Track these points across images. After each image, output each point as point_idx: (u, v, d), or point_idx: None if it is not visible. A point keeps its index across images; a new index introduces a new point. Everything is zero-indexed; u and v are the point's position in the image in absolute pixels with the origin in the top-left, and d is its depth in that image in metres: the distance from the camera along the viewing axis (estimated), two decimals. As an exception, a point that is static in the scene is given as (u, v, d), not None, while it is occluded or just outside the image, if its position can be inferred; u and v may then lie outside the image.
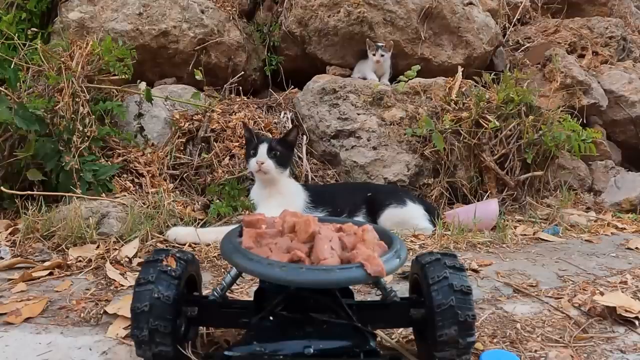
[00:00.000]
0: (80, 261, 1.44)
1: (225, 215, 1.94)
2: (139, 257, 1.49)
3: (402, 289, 1.24)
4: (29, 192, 1.83)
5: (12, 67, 1.99)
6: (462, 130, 2.42)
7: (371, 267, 0.75)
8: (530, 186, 2.55)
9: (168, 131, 2.39)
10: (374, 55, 2.68)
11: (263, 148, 1.87)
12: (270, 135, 2.38)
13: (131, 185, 2.11)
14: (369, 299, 1.21)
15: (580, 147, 2.47)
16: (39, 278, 1.33)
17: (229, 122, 2.39)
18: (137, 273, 0.94)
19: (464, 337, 0.82)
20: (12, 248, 1.57)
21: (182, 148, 2.35)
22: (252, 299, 0.91)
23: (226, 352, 0.79)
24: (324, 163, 2.49)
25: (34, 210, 1.71)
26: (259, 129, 2.41)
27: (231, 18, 2.91)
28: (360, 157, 2.40)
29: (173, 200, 1.95)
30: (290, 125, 2.45)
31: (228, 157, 2.30)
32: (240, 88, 2.75)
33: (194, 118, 2.40)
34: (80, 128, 2.02)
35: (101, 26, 2.59)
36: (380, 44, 2.68)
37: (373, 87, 2.53)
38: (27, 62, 2.14)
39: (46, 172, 1.92)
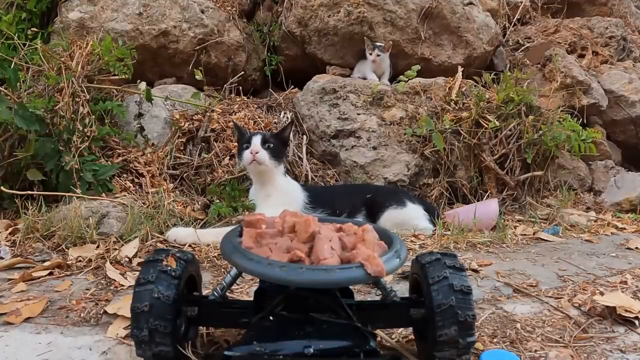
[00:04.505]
0: (80, 261, 1.44)
1: (226, 216, 1.94)
2: (139, 257, 1.49)
3: (402, 289, 1.24)
4: (29, 192, 1.83)
5: (12, 67, 1.99)
6: (462, 130, 2.42)
7: (371, 267, 0.75)
8: (530, 186, 2.55)
9: (168, 131, 2.39)
10: (370, 54, 2.69)
11: (257, 139, 1.85)
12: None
13: (131, 185, 2.11)
14: (369, 299, 1.21)
15: (580, 147, 2.47)
16: (39, 278, 1.33)
17: (229, 122, 2.39)
18: (137, 273, 0.94)
19: (464, 337, 0.82)
20: (12, 248, 1.57)
21: (182, 148, 2.35)
22: (252, 299, 0.91)
23: (226, 352, 0.79)
24: (324, 163, 2.49)
25: (34, 210, 1.71)
26: (259, 129, 2.42)
27: (231, 18, 2.91)
28: (360, 157, 2.40)
29: (173, 200, 1.95)
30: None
31: (228, 157, 2.30)
32: (240, 88, 2.75)
33: (194, 118, 2.40)
34: (80, 128, 2.02)
35: (101, 26, 2.59)
36: (378, 44, 2.68)
37: (373, 87, 2.53)
38: (27, 62, 2.14)
39: (46, 172, 1.92)
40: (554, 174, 2.66)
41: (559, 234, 2.00)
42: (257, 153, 1.82)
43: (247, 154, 1.84)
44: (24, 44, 2.16)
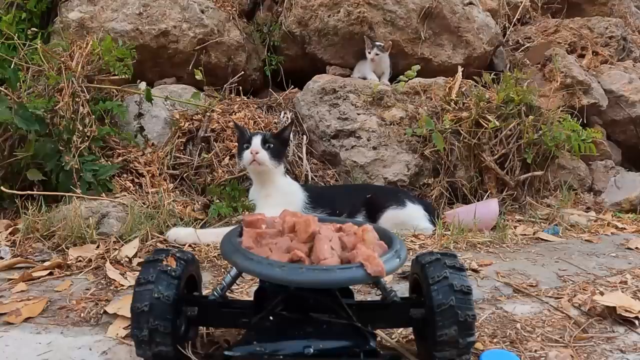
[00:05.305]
0: (80, 261, 1.44)
1: (226, 216, 1.94)
2: (139, 257, 1.49)
3: (402, 289, 1.24)
4: (29, 192, 1.83)
5: (12, 67, 1.99)
6: (462, 130, 2.42)
7: (371, 267, 0.75)
8: (530, 186, 2.55)
9: (168, 131, 2.39)
10: (369, 53, 2.69)
11: (257, 139, 1.85)
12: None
13: (131, 185, 2.10)
14: (369, 299, 1.21)
15: (580, 147, 2.47)
16: (39, 278, 1.33)
17: (229, 122, 2.39)
18: (137, 273, 0.94)
19: (464, 337, 0.82)
20: (12, 248, 1.57)
21: (182, 148, 2.35)
22: (252, 299, 0.91)
23: (226, 352, 0.79)
24: (324, 163, 2.49)
25: (34, 210, 1.71)
26: (259, 129, 2.41)
27: (231, 18, 2.91)
28: (360, 157, 2.40)
29: (173, 200, 1.95)
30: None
31: (228, 157, 2.30)
32: (240, 88, 2.75)
33: (194, 118, 2.40)
34: (80, 128, 2.02)
35: (101, 26, 2.59)
36: (378, 43, 2.68)
37: (373, 87, 2.53)
38: (27, 62, 2.14)
39: (46, 172, 1.92)
40: (554, 174, 2.66)
41: (559, 234, 2.00)
42: (257, 153, 1.83)
43: (247, 154, 1.85)
44: (24, 44, 2.16)
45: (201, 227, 1.82)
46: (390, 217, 1.95)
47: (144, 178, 2.15)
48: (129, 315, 0.86)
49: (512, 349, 1.00)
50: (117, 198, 1.85)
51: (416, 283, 0.95)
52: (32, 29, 2.42)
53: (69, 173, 1.90)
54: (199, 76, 2.46)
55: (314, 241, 0.81)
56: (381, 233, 0.91)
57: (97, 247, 1.55)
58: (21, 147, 1.91)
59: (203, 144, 2.35)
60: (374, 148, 2.42)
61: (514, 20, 3.55)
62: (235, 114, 2.47)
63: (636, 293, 1.31)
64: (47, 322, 1.07)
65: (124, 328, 1.02)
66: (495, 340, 1.03)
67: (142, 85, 2.46)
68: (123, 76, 2.32)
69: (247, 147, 1.85)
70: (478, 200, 2.37)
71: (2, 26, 2.15)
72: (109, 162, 2.13)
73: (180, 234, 1.66)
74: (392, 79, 2.79)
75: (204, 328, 1.01)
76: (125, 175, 2.15)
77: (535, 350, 0.99)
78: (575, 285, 1.37)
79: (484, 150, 2.44)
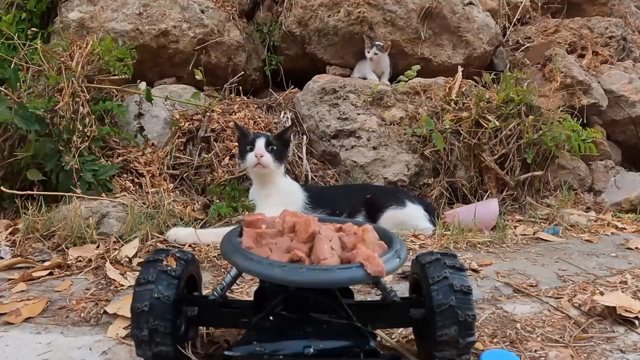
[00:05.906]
0: (80, 261, 1.44)
1: (226, 216, 1.94)
2: (139, 257, 1.49)
3: (402, 289, 1.24)
4: (29, 192, 1.83)
5: (12, 67, 1.99)
6: (462, 130, 2.42)
7: (371, 267, 0.75)
8: (530, 186, 2.55)
9: (168, 131, 2.39)
10: (368, 52, 2.69)
11: (261, 142, 1.84)
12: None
13: (131, 185, 2.11)
14: (369, 299, 1.21)
15: (580, 147, 2.48)
16: (39, 278, 1.33)
17: (229, 122, 2.39)
18: (137, 273, 0.94)
19: (464, 337, 0.82)
20: (12, 248, 1.57)
21: (182, 148, 2.35)
22: (252, 299, 0.91)
23: (226, 352, 0.79)
24: (324, 163, 2.49)
25: (34, 210, 1.71)
26: (259, 129, 2.42)
27: (231, 18, 2.91)
28: (360, 157, 2.40)
29: (173, 200, 1.95)
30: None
31: (228, 157, 2.30)
32: (240, 88, 2.75)
33: (194, 118, 2.40)
34: (80, 128, 2.02)
35: (101, 26, 2.59)
36: (378, 43, 2.68)
37: (373, 87, 2.53)
38: (27, 62, 2.14)
39: (46, 172, 1.92)
40: (554, 174, 2.66)
41: (559, 234, 2.00)
42: (262, 157, 1.82)
43: (251, 157, 1.84)
44: (24, 44, 2.16)
45: (201, 227, 1.82)
46: (390, 217, 1.95)
47: (144, 178, 2.15)
48: (129, 315, 0.86)
49: (512, 349, 1.00)
50: (117, 198, 1.85)
51: (416, 283, 0.95)
52: (32, 29, 2.42)
53: (69, 173, 1.90)
54: (199, 76, 2.46)
55: (314, 241, 0.81)
56: (381, 233, 0.91)
57: (97, 247, 1.55)
58: (21, 147, 1.91)
59: (203, 144, 2.35)
60: (374, 148, 2.42)
61: (514, 20, 3.55)
62: (235, 114, 2.47)
63: (636, 293, 1.31)
64: (47, 322, 1.07)
65: (124, 328, 1.02)
66: (495, 340, 1.03)
67: (142, 85, 2.46)
68: (123, 76, 2.32)
69: (251, 150, 1.84)
70: (478, 200, 2.37)
71: (2, 26, 2.15)
72: (109, 162, 2.13)
73: (180, 234, 1.66)
74: (392, 79, 2.79)
75: (204, 328, 1.01)
76: (125, 175, 2.15)
77: (535, 350, 0.99)
78: (575, 285, 1.37)
79: (484, 150, 2.44)
